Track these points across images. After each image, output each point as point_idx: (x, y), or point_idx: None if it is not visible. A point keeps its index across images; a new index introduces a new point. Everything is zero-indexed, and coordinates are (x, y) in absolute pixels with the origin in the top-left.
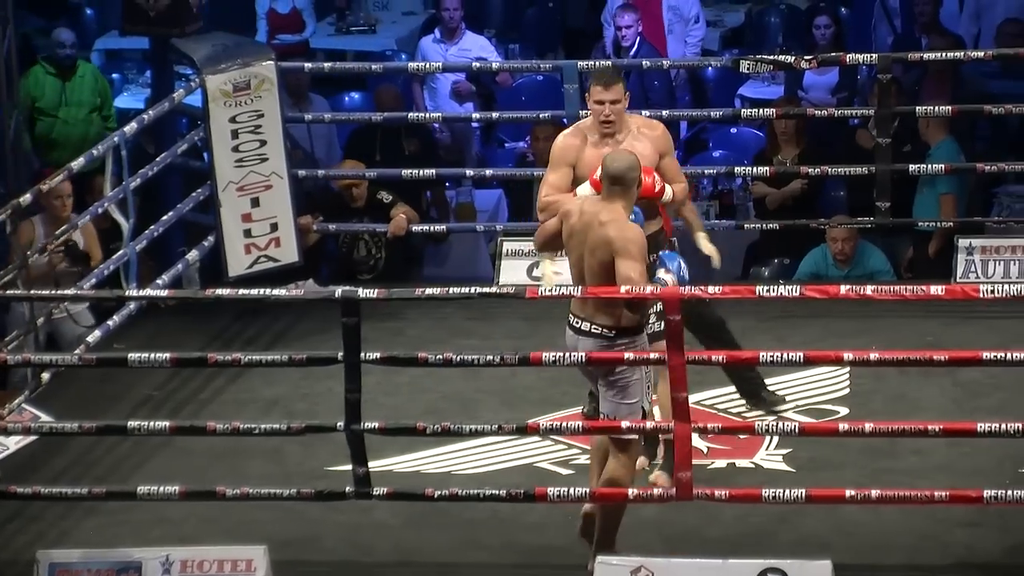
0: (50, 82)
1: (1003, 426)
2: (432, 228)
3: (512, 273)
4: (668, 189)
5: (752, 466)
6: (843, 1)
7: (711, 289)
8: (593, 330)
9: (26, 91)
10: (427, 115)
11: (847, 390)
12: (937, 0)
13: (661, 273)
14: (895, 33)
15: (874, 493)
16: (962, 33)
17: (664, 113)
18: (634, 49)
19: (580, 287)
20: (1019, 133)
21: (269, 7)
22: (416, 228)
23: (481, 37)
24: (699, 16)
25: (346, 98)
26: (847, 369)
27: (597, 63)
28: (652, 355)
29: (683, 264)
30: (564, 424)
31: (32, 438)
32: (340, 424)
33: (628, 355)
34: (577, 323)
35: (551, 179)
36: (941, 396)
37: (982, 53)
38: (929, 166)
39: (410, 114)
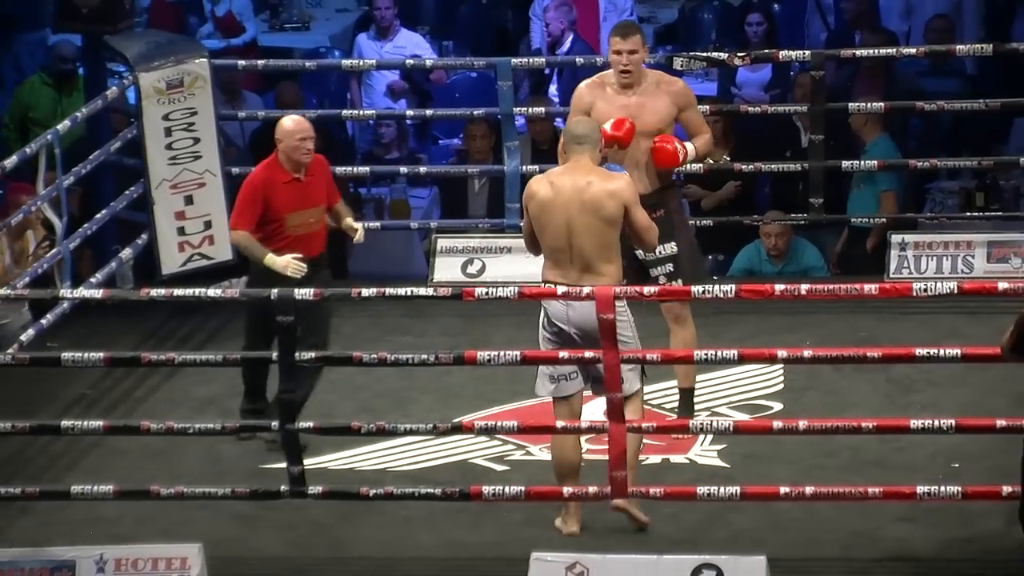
0: (46, 93)
1: (936, 422)
2: (366, 225)
3: (446, 270)
4: (690, 148)
5: (687, 462)
6: None
7: (647, 290)
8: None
9: (20, 100)
10: (361, 112)
11: (781, 386)
12: None
13: None
14: (828, 30)
15: (808, 489)
16: (893, 30)
17: None
18: (568, 43)
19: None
20: (951, 130)
21: (210, 9)
22: (346, 224)
23: (416, 34)
24: (633, 9)
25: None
26: (781, 365)
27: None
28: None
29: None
30: (498, 422)
31: None
32: (275, 423)
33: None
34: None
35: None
36: (874, 392)
37: (914, 50)
38: (863, 162)
39: (345, 111)
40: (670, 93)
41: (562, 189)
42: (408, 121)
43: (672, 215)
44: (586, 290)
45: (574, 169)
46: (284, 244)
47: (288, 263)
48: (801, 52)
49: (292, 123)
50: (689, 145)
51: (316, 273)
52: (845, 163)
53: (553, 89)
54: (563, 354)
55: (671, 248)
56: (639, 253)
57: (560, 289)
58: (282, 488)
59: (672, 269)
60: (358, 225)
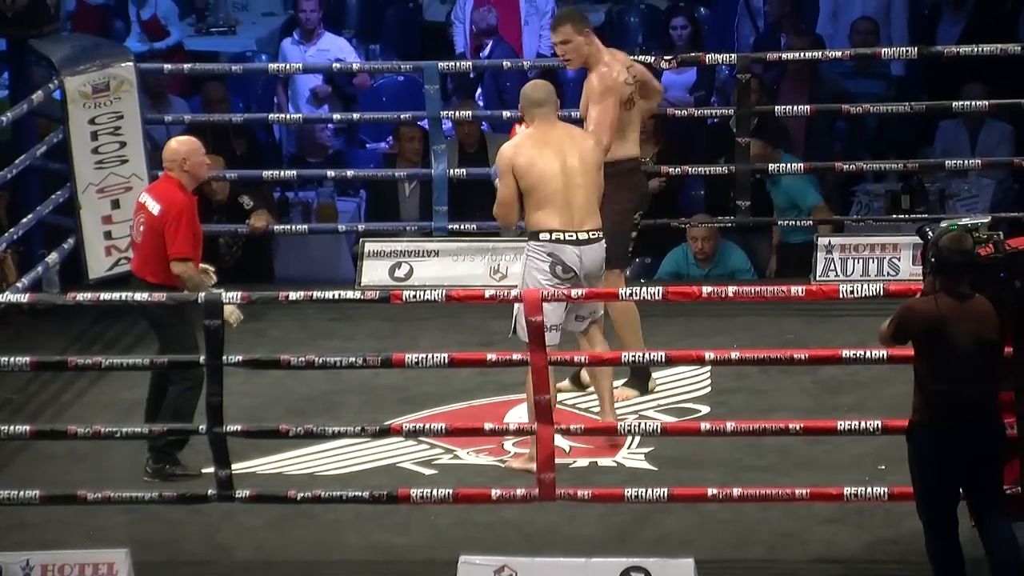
0: None
1: (862, 424)
2: (293, 228)
3: (374, 273)
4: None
5: (615, 465)
6: (703, 1)
7: (574, 292)
8: (591, 237)
9: None
10: (287, 116)
11: (708, 389)
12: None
13: None
14: (757, 32)
15: (736, 491)
16: (821, 32)
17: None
18: (489, 46)
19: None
20: (876, 132)
21: (136, 12)
22: (277, 228)
23: (340, 38)
24: (555, 11)
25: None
26: (708, 368)
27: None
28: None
29: None
30: (427, 425)
31: None
32: (202, 427)
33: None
34: (573, 236)
35: None
36: (801, 394)
37: (840, 53)
38: (788, 165)
39: (271, 115)
40: (589, 84)
41: (549, 140)
42: (332, 125)
43: (608, 191)
44: (514, 293)
45: (550, 127)
46: (199, 261)
47: (232, 311)
48: (727, 55)
49: (189, 142)
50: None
51: None
52: (772, 166)
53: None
54: (491, 356)
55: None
56: None
57: (488, 292)
58: (210, 492)
59: None
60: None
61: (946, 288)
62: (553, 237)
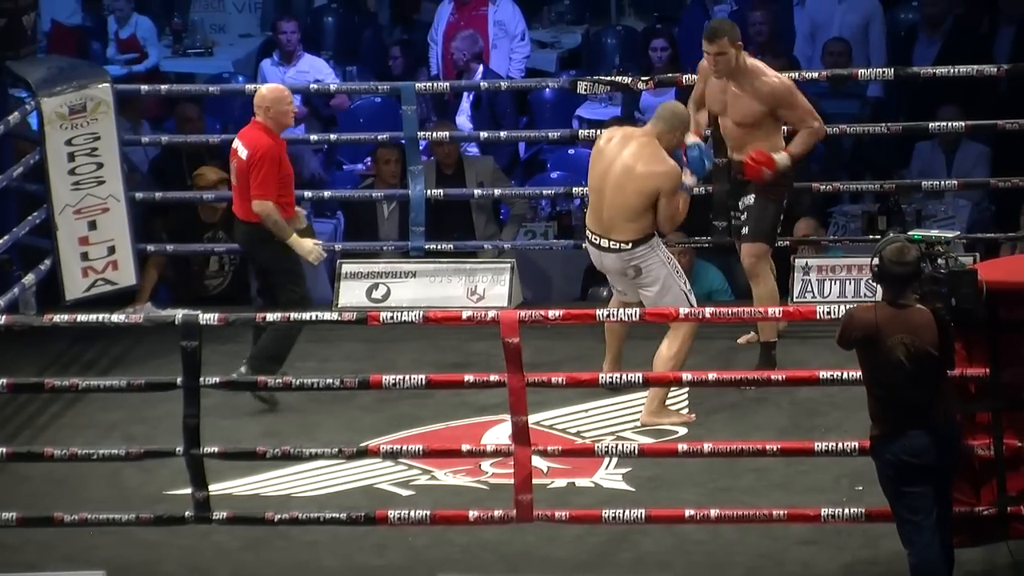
0: None
1: (840, 445)
2: None
3: (351, 295)
4: (780, 159)
5: (592, 485)
6: (678, 22)
7: (552, 313)
8: (612, 246)
9: None
10: None
11: (686, 410)
12: (773, 21)
13: (687, 179)
14: None
15: (713, 512)
16: (798, 54)
17: (502, 134)
18: (478, 74)
19: None
20: (853, 152)
21: (115, 31)
22: None
23: (319, 59)
24: (524, 33)
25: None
26: (686, 388)
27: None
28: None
29: (702, 149)
30: (404, 447)
31: None
32: (179, 449)
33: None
34: (596, 239)
35: (694, 95)
36: (779, 415)
37: (816, 74)
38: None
39: None
40: (758, 95)
41: (608, 148)
42: (312, 146)
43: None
44: (491, 314)
45: (638, 135)
46: (290, 203)
47: (313, 249)
48: None
49: (277, 90)
50: (779, 156)
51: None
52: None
53: (464, 119)
54: (468, 378)
55: (750, 199)
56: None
57: (465, 313)
58: (187, 514)
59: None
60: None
61: (887, 297)
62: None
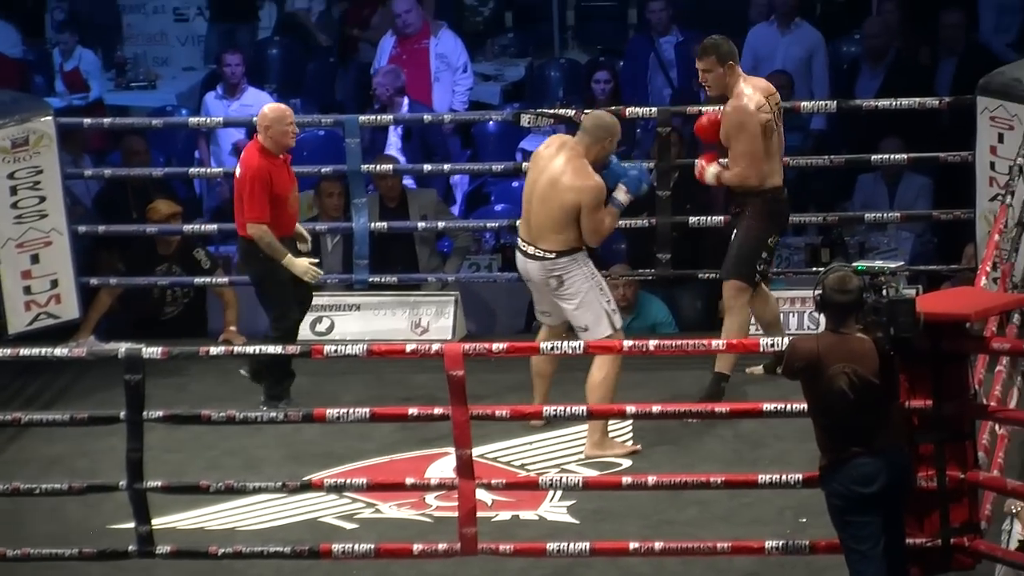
0: None
1: (783, 477)
2: (214, 281)
3: None
4: (709, 171)
5: (536, 518)
6: (621, 55)
7: (496, 346)
8: (537, 254)
9: None
10: (208, 170)
11: (630, 442)
12: None
13: (619, 195)
14: (672, 86)
15: (657, 545)
16: None
17: (446, 167)
18: (404, 107)
19: None
20: (796, 185)
21: (59, 63)
22: (198, 280)
23: (263, 92)
24: (467, 65)
25: (108, 158)
26: (630, 421)
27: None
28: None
29: (640, 169)
30: (348, 480)
31: None
32: (123, 483)
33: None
34: (523, 246)
35: None
36: (723, 447)
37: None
38: (708, 218)
39: (192, 169)
40: (725, 115)
41: (541, 157)
42: None
43: (749, 213)
44: (435, 347)
45: (571, 145)
46: (284, 223)
47: (308, 268)
48: (648, 109)
49: (278, 109)
50: (712, 168)
51: (292, 246)
52: (692, 219)
53: (395, 152)
54: (412, 411)
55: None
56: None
57: (409, 346)
58: (130, 548)
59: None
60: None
61: (829, 326)
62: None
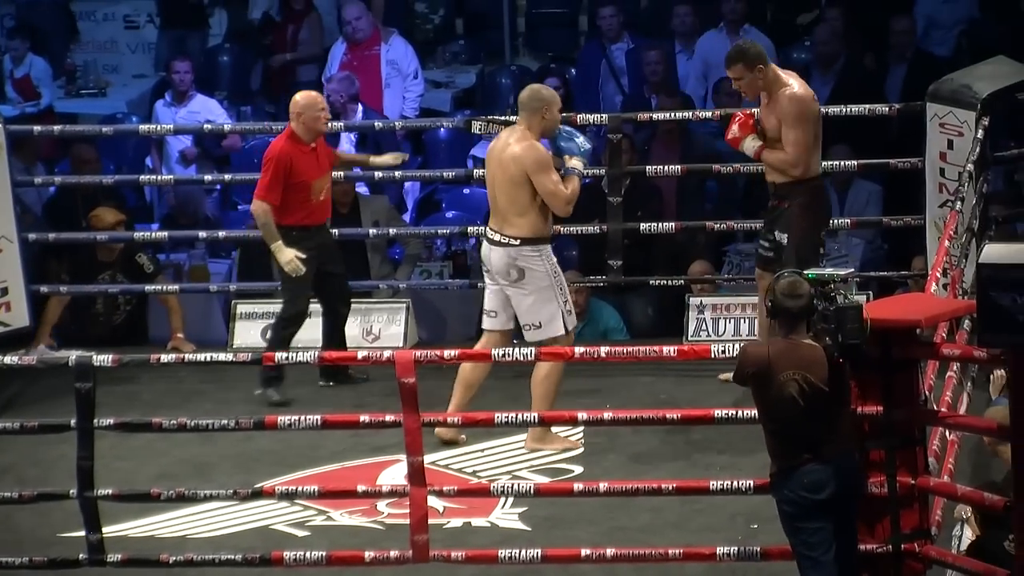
0: None
1: (735, 483)
2: (164, 288)
3: (246, 335)
4: (748, 143)
5: (488, 525)
6: (572, 62)
7: (447, 353)
8: (502, 240)
9: None
10: (159, 178)
11: (581, 449)
12: (668, 60)
13: (571, 163)
14: (623, 92)
15: (609, 551)
16: (691, 94)
17: (397, 174)
18: (358, 115)
19: None
20: (746, 191)
21: (10, 70)
22: (148, 288)
23: (211, 100)
24: (417, 72)
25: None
26: (582, 428)
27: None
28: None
29: (570, 132)
30: (299, 487)
31: None
32: (73, 491)
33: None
34: (490, 234)
35: None
36: (674, 454)
37: (711, 113)
38: (660, 225)
39: (142, 176)
40: (776, 110)
41: (492, 147)
42: (206, 187)
43: (794, 209)
44: (387, 354)
45: (509, 131)
46: (308, 211)
47: (292, 260)
48: (598, 116)
49: (310, 96)
50: (749, 141)
51: (325, 238)
52: (643, 226)
53: None
54: (364, 418)
55: (783, 238)
56: (763, 242)
57: (360, 353)
58: (80, 556)
59: (774, 256)
60: (387, 157)
61: (780, 333)
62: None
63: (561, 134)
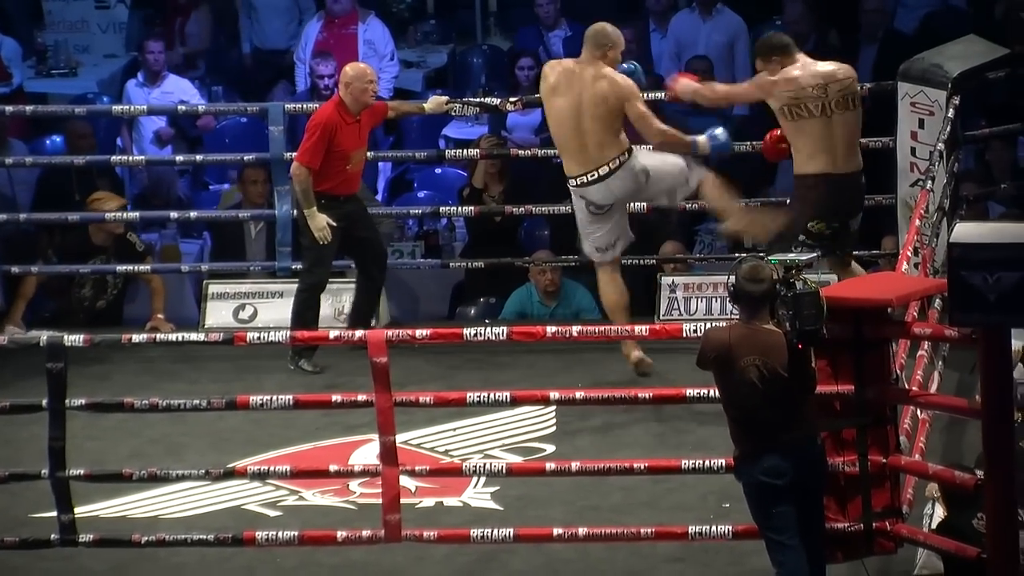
0: None
1: (707, 462)
2: (136, 268)
3: (218, 315)
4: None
5: (460, 504)
6: (543, 42)
7: (419, 332)
8: (612, 167)
9: None
10: (131, 158)
11: (553, 428)
12: (644, 40)
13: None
14: None
15: (581, 531)
16: (663, 73)
17: (369, 154)
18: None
19: None
20: (717, 170)
21: None
22: (120, 268)
23: (184, 80)
24: (393, 54)
25: (47, 142)
26: (553, 407)
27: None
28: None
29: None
30: (272, 467)
31: None
32: (45, 471)
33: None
34: (590, 177)
35: None
36: (646, 433)
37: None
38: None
39: (114, 157)
40: None
41: (563, 85)
42: (178, 167)
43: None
44: (358, 334)
45: (578, 66)
46: (340, 180)
47: (323, 228)
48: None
49: (359, 67)
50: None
51: (356, 206)
52: None
53: None
54: (336, 397)
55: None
56: None
57: (332, 333)
58: (52, 537)
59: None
60: (439, 100)
61: (742, 318)
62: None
63: (625, 67)
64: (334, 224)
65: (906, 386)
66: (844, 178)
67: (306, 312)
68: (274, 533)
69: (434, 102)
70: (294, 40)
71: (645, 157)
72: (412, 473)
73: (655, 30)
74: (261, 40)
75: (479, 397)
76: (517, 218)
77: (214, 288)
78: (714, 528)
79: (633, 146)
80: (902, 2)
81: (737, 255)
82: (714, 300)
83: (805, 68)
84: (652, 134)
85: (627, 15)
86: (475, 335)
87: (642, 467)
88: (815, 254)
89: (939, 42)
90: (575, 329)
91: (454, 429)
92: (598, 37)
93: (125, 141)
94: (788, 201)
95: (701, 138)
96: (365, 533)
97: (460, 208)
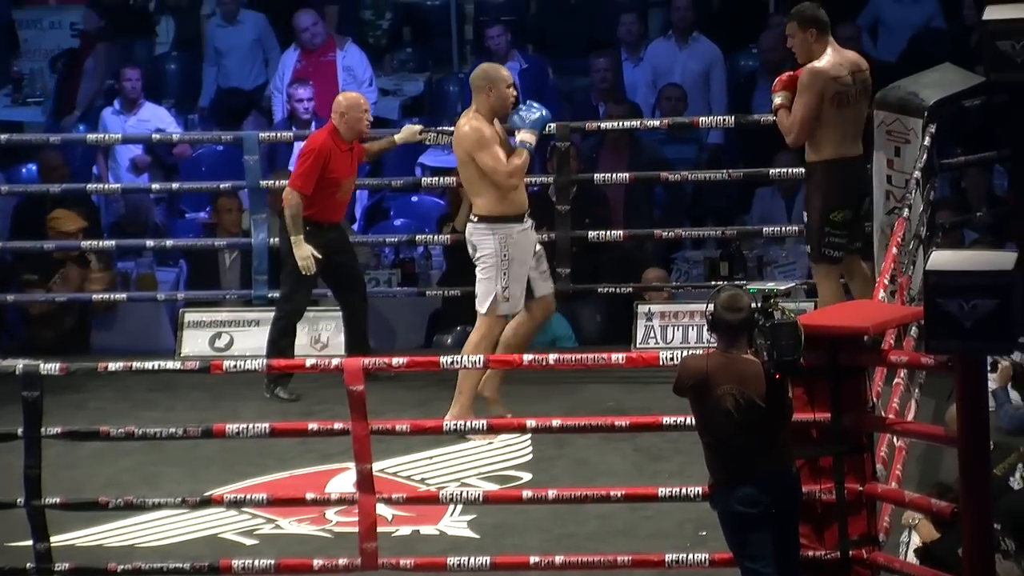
0: None
1: (683, 490)
2: (112, 297)
3: (194, 344)
4: (776, 96)
5: (437, 533)
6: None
7: (395, 361)
8: (472, 219)
9: None
10: (106, 186)
11: (530, 456)
12: (617, 69)
13: (521, 136)
14: (570, 101)
15: (558, 559)
16: (641, 102)
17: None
18: (313, 122)
19: None
20: (695, 199)
21: None
22: (96, 297)
23: (160, 108)
24: (372, 79)
25: (23, 170)
26: (530, 435)
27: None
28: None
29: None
30: (248, 495)
31: None
32: (20, 500)
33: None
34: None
35: None
36: (623, 461)
37: (658, 122)
38: (608, 232)
39: (89, 185)
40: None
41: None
42: (153, 196)
43: (808, 193)
44: (335, 362)
45: (465, 115)
46: (327, 206)
47: (307, 257)
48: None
49: (353, 97)
50: (778, 97)
51: (338, 234)
52: (591, 233)
53: None
54: (312, 426)
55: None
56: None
57: (309, 361)
58: (28, 565)
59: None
60: (412, 128)
61: (720, 346)
62: None
63: (518, 110)
64: (319, 256)
65: (883, 414)
66: (851, 162)
67: (281, 340)
68: (250, 562)
69: (407, 131)
70: (260, 80)
71: (484, 253)
72: (389, 501)
73: (627, 59)
74: (226, 82)
75: (456, 425)
76: None
77: (190, 316)
78: (691, 556)
79: (497, 229)
80: (885, 27)
81: (715, 283)
82: (690, 328)
83: (842, 55)
84: (502, 184)
85: (599, 45)
86: (452, 363)
87: (619, 495)
88: (795, 282)
89: (916, 71)
90: (552, 357)
91: (431, 457)
92: (475, 80)
93: (101, 169)
94: (806, 198)
95: (519, 136)
96: (342, 562)
97: (437, 236)
